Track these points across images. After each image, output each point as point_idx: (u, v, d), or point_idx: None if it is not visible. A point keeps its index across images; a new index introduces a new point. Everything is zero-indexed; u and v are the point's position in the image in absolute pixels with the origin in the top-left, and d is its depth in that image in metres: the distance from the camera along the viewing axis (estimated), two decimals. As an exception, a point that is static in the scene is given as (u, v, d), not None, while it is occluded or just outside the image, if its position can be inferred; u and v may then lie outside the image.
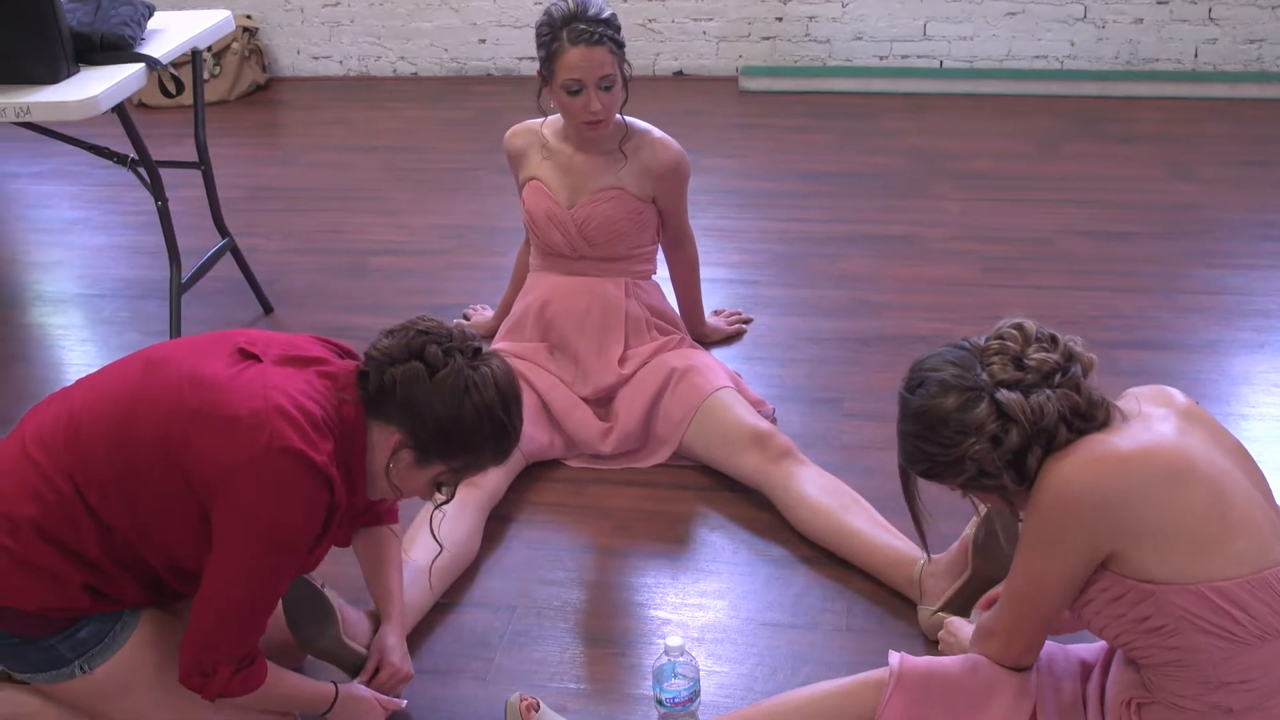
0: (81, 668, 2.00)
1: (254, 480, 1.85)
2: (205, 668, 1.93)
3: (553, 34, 2.89)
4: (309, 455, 1.87)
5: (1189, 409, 1.87)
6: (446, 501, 2.14)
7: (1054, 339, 1.84)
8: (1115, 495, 1.74)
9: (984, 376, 1.81)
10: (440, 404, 1.96)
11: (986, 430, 1.79)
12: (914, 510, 2.05)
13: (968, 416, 1.80)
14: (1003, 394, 1.79)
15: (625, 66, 2.95)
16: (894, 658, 1.99)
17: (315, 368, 2.01)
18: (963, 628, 2.19)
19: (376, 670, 2.28)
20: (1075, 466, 1.77)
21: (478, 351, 2.02)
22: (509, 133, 3.19)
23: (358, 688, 2.23)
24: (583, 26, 2.85)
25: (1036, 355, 1.81)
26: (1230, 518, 1.74)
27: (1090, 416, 1.81)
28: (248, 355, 1.99)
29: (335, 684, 2.18)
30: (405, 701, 2.30)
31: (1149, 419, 1.83)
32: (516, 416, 2.04)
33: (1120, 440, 1.78)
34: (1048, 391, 1.79)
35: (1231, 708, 1.74)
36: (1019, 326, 1.86)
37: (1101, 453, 1.77)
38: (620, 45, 2.91)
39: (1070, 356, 1.83)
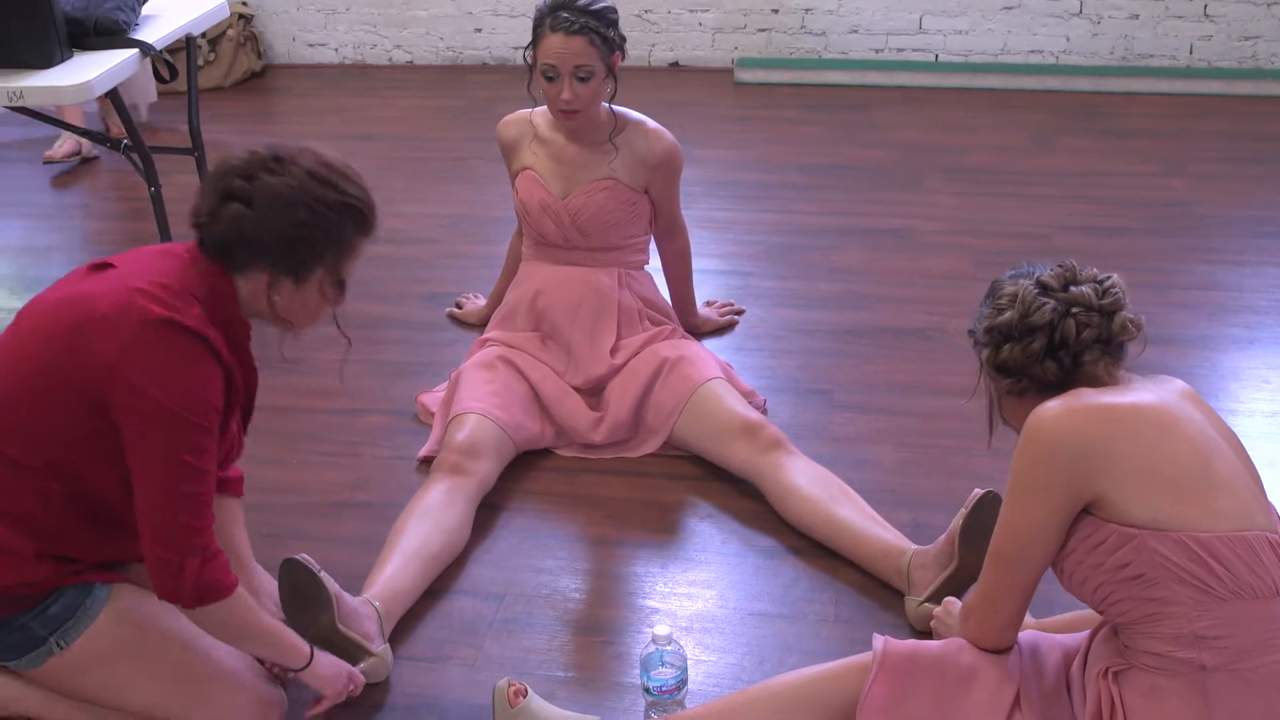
0: (57, 643, 2.00)
1: (137, 360, 1.89)
2: (171, 567, 1.92)
3: (540, 19, 2.91)
4: (177, 319, 1.91)
5: (1187, 391, 1.91)
6: (340, 302, 2.15)
7: (1108, 294, 1.90)
8: (1098, 439, 1.78)
9: (1041, 275, 1.93)
10: (276, 222, 1.98)
11: (998, 301, 1.94)
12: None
13: (1000, 289, 1.96)
14: (1025, 282, 1.92)
15: (612, 60, 2.94)
16: (878, 641, 2.00)
17: (164, 252, 2.06)
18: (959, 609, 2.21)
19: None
20: (1060, 411, 1.81)
21: (278, 158, 2.02)
22: (501, 123, 3.19)
23: (335, 659, 2.22)
24: (566, 15, 2.86)
25: (1082, 289, 1.89)
26: (1213, 477, 1.78)
27: (1077, 359, 1.87)
28: (101, 266, 2.03)
29: (312, 649, 2.17)
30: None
31: (1143, 385, 1.88)
32: (348, 185, 2.06)
33: (1107, 395, 1.84)
34: (1056, 304, 1.88)
35: (1205, 665, 1.75)
36: (1108, 276, 1.93)
37: (1088, 401, 1.82)
38: (605, 39, 2.90)
39: (1104, 311, 1.88)
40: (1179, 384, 1.92)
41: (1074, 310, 1.87)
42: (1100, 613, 1.89)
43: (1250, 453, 1.93)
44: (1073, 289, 1.89)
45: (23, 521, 1.95)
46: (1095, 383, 1.87)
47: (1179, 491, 1.76)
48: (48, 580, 1.99)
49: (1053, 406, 1.82)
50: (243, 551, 2.37)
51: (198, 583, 1.93)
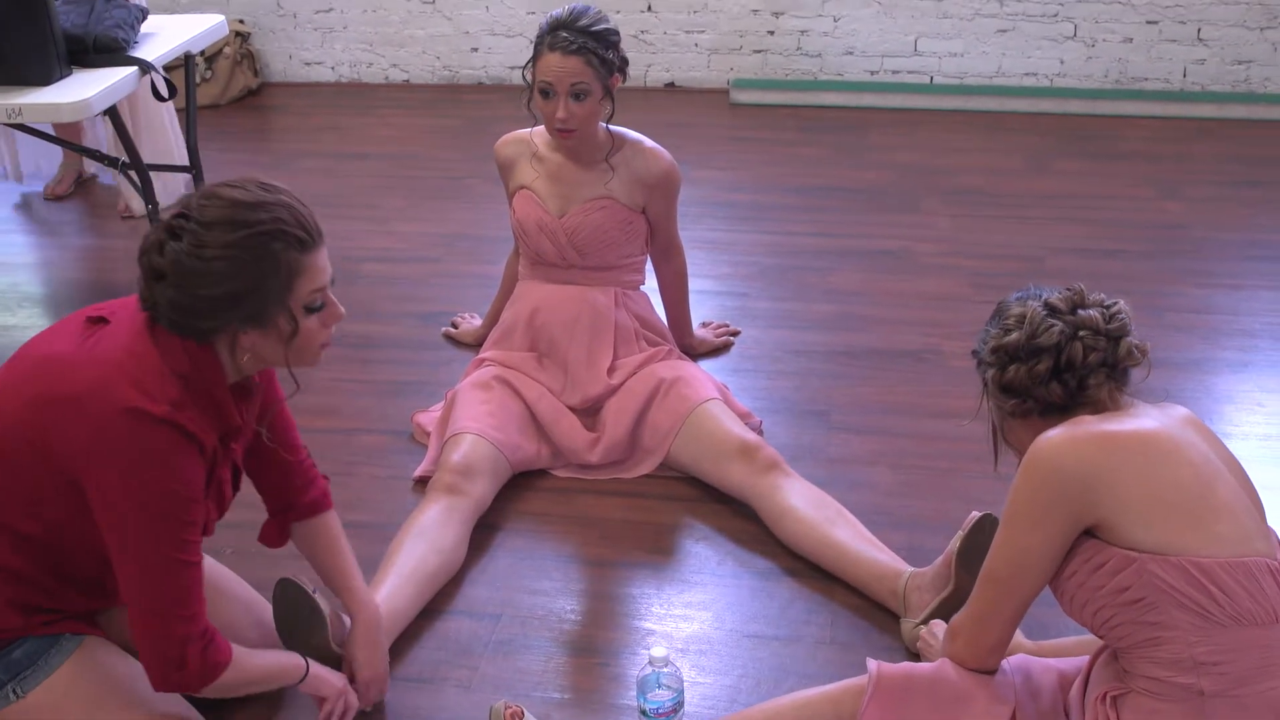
0: (15, 691, 1.97)
1: (109, 451, 1.83)
2: (173, 660, 1.90)
3: (540, 37, 2.92)
4: (148, 409, 1.83)
5: (1190, 418, 1.91)
6: (318, 309, 1.98)
7: (1115, 319, 1.90)
8: (1099, 466, 1.78)
9: (1049, 297, 1.94)
10: (202, 288, 1.85)
11: (1005, 322, 1.94)
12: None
13: (1007, 310, 1.96)
14: (1034, 304, 1.93)
15: (611, 81, 2.95)
16: (872, 664, 2.00)
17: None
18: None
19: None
20: (1061, 439, 1.81)
21: (183, 215, 1.87)
22: (499, 141, 3.20)
23: (332, 671, 2.23)
24: (565, 34, 2.87)
25: (1090, 312, 1.90)
26: (1215, 503, 1.78)
27: (1082, 382, 1.88)
28: (97, 321, 1.95)
29: (308, 662, 2.19)
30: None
31: (1145, 411, 1.88)
32: (254, 213, 1.86)
33: (1109, 422, 1.84)
34: (1064, 327, 1.88)
35: (1204, 690, 1.75)
36: (1115, 302, 1.94)
37: (1089, 429, 1.82)
38: (604, 60, 2.91)
39: (1110, 335, 1.89)
40: (1182, 410, 1.92)
41: (1081, 333, 1.88)
42: (1100, 636, 1.89)
43: (1246, 477, 1.93)
44: (1080, 312, 1.90)
45: (3, 571, 1.93)
46: (1099, 407, 1.88)
47: (1180, 516, 1.77)
48: (17, 629, 1.97)
49: (1054, 434, 1.82)
50: (348, 569, 2.34)
51: (201, 670, 1.93)
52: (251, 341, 1.93)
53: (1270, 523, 1.89)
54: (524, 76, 2.99)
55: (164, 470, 1.85)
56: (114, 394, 1.83)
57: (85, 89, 3.12)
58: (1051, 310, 1.92)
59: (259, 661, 2.09)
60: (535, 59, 2.93)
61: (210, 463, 1.95)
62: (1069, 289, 1.95)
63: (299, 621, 2.28)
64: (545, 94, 2.93)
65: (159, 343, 1.90)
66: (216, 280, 1.85)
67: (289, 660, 2.16)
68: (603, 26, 2.92)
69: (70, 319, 2.01)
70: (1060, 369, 1.88)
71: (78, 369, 1.87)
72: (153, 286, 1.88)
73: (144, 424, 1.83)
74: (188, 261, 1.84)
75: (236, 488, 2.14)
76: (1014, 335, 1.92)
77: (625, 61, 2.99)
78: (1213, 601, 1.73)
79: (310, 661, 2.18)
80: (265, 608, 2.35)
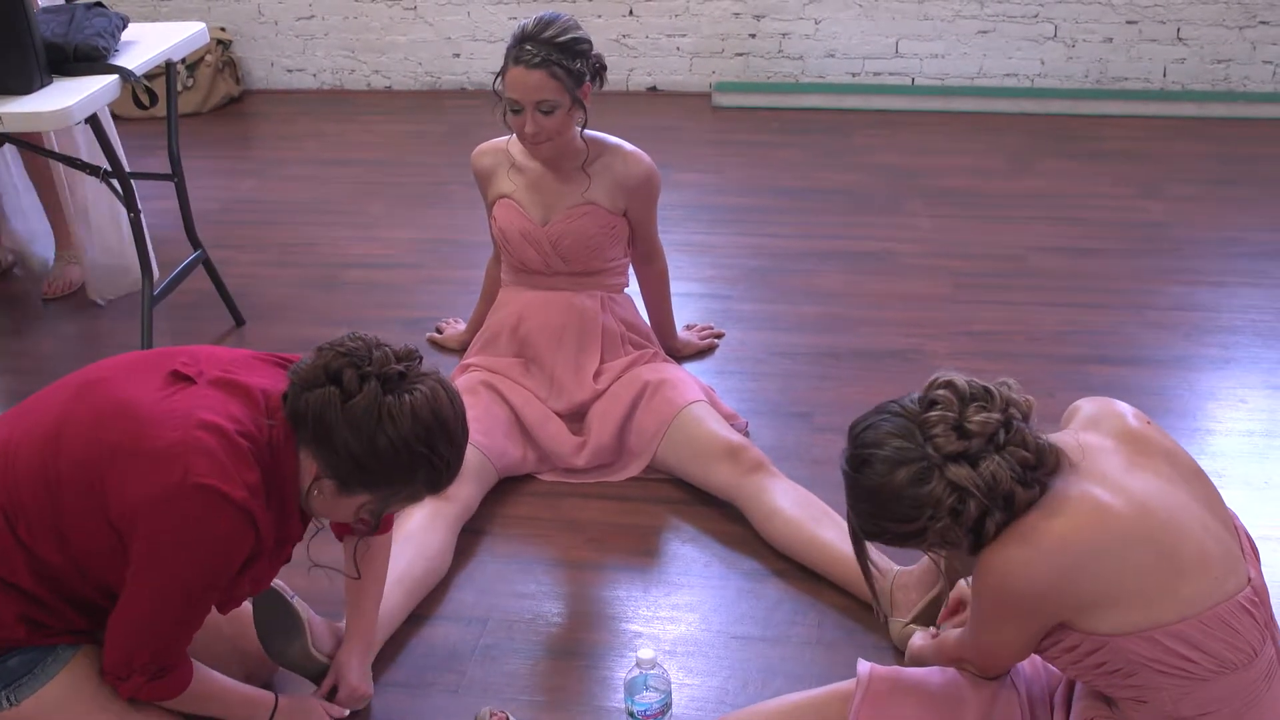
0: (9, 698, 1.97)
1: (167, 518, 1.83)
2: (120, 672, 1.95)
3: (507, 50, 2.90)
4: (224, 490, 1.83)
5: (1140, 432, 1.85)
6: (370, 533, 2.08)
7: (988, 392, 1.80)
8: (1056, 581, 1.73)
9: (930, 450, 1.77)
10: (352, 435, 1.87)
11: (944, 505, 1.76)
12: (866, 570, 2.06)
13: (923, 492, 1.77)
14: (952, 470, 1.75)
15: (581, 91, 2.91)
16: (863, 666, 2.00)
17: (246, 390, 1.96)
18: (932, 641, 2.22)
19: (334, 690, 2.30)
20: (1013, 558, 1.75)
21: (402, 375, 1.92)
22: (476, 151, 3.19)
23: (305, 698, 2.24)
24: (529, 47, 2.85)
25: (977, 418, 1.76)
26: (1180, 561, 1.73)
27: (1040, 465, 1.78)
28: (181, 378, 1.94)
29: (277, 695, 2.20)
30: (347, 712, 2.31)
31: (1094, 463, 1.80)
32: (443, 447, 1.94)
33: (1055, 522, 1.75)
34: (996, 458, 1.75)
35: None
36: (950, 385, 1.81)
37: (1038, 541, 1.74)
38: (570, 71, 2.86)
39: (1008, 405, 1.79)
40: (1130, 423, 1.86)
41: (1001, 440, 1.77)
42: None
43: (1228, 473, 1.94)
44: (969, 427, 1.76)
45: (14, 589, 1.93)
46: (1045, 490, 1.79)
47: (1145, 595, 1.73)
48: (21, 640, 1.97)
49: (1008, 551, 1.76)
50: (367, 593, 2.35)
51: (136, 693, 1.98)
52: (327, 490, 1.96)
53: (1246, 517, 1.89)
54: (495, 89, 2.97)
55: (212, 557, 1.87)
56: (192, 465, 1.82)
57: (66, 97, 3.11)
58: (969, 457, 1.75)
59: (216, 694, 2.10)
60: (503, 73, 2.90)
61: (254, 555, 1.95)
62: (920, 423, 1.80)
63: (277, 628, 2.28)
64: (513, 109, 2.91)
65: (258, 411, 1.93)
66: (367, 445, 1.88)
67: (254, 700, 2.17)
68: (569, 36, 2.88)
69: (151, 359, 2.00)
70: (1025, 480, 1.77)
71: (157, 426, 1.86)
72: (320, 378, 1.90)
73: (215, 503, 1.83)
74: (376, 411, 1.87)
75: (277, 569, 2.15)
76: (970, 507, 1.75)
77: (600, 68, 2.96)
78: (1191, 663, 1.73)
79: (281, 700, 2.19)
80: (245, 610, 2.36)
